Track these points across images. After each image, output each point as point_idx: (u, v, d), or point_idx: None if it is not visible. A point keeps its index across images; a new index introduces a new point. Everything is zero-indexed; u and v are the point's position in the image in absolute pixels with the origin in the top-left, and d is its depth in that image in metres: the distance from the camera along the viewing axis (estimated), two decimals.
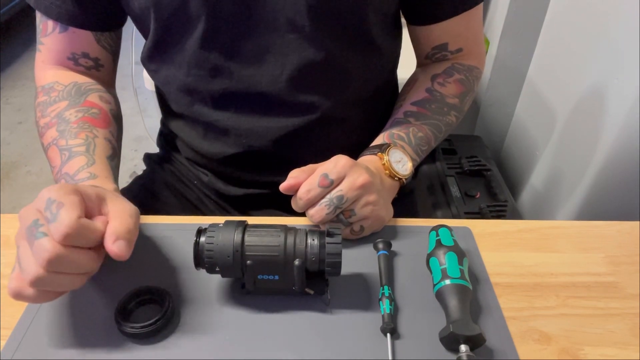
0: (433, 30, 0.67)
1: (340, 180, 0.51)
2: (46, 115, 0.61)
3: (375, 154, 0.59)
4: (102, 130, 0.60)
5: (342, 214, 0.51)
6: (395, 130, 0.63)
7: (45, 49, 0.65)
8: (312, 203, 0.51)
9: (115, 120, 0.64)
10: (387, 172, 0.57)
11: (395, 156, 0.59)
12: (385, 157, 0.58)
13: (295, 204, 0.53)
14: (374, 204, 0.52)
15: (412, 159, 0.61)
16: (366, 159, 0.58)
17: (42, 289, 0.40)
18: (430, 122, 0.65)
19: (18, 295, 0.40)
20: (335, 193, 0.50)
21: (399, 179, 0.58)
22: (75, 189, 0.42)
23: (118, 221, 0.43)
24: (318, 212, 0.51)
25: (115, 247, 0.41)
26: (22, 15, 2.98)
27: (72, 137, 0.57)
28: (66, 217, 0.39)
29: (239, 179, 0.71)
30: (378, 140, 0.63)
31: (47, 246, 0.38)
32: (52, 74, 0.65)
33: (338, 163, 0.51)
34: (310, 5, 0.56)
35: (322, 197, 0.51)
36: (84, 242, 0.40)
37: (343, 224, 0.52)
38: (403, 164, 0.59)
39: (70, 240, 0.39)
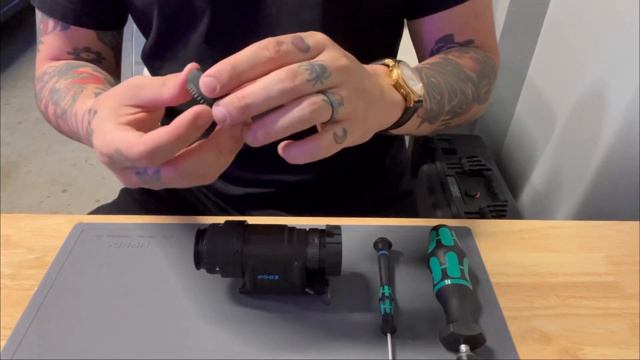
0: (436, 21, 0.63)
1: (318, 52, 0.37)
2: (42, 98, 0.60)
3: (383, 64, 0.46)
4: (91, 85, 0.56)
5: (332, 94, 0.36)
6: (420, 69, 0.54)
7: (44, 47, 0.65)
8: (285, 62, 0.35)
9: (108, 83, 0.60)
10: (393, 83, 0.44)
11: (407, 73, 0.45)
12: (397, 70, 0.44)
13: (253, 56, 0.35)
14: (366, 99, 0.39)
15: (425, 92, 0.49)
16: (366, 66, 0.44)
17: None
18: (445, 78, 0.54)
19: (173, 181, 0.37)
20: (316, 61, 0.36)
21: (406, 95, 0.44)
22: (102, 126, 0.38)
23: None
24: (295, 75, 0.34)
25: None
26: (22, 15, 2.98)
27: (64, 97, 0.55)
28: (129, 149, 0.35)
29: (239, 178, 0.71)
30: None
31: (170, 173, 0.35)
32: (47, 64, 0.65)
33: (315, 33, 0.38)
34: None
35: (298, 62, 0.36)
36: (165, 147, 0.34)
37: (332, 105, 0.36)
38: (414, 84, 0.45)
39: (158, 156, 0.35)
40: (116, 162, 0.37)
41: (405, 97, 0.45)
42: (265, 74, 0.34)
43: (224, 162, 0.38)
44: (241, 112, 0.34)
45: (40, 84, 0.62)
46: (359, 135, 0.40)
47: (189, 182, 0.36)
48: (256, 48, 0.35)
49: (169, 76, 0.37)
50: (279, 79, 0.34)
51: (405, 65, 0.46)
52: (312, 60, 0.36)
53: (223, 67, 0.34)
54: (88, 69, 0.62)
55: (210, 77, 0.34)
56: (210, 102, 0.35)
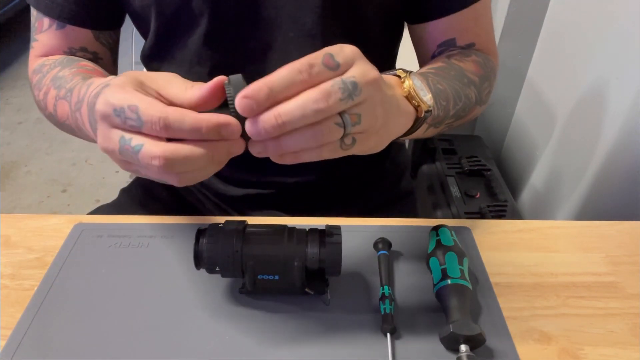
0: (438, 26, 0.63)
1: (348, 67, 0.38)
2: (42, 87, 0.59)
3: (394, 74, 0.47)
4: (98, 76, 0.56)
5: (348, 115, 0.37)
6: (426, 75, 0.54)
7: (39, 45, 0.64)
8: (317, 82, 0.36)
9: None
10: (405, 94, 0.46)
11: (418, 83, 0.46)
12: (408, 81, 0.46)
13: (287, 79, 0.36)
14: (386, 111, 0.40)
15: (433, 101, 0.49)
16: (389, 79, 0.46)
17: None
18: (450, 84, 0.55)
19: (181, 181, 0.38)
20: (348, 78, 0.37)
21: (417, 106, 0.45)
22: (123, 85, 0.37)
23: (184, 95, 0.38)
24: (329, 95, 0.35)
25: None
26: (22, 15, 2.98)
27: (69, 82, 0.54)
28: (151, 108, 0.35)
29: (239, 179, 0.71)
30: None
31: (154, 152, 0.35)
32: (42, 59, 0.64)
33: (344, 47, 0.38)
34: (313, 2, 0.56)
35: (328, 80, 0.37)
36: (182, 127, 0.35)
37: (345, 127, 0.37)
38: (424, 94, 0.47)
39: (171, 130, 0.35)
40: (116, 116, 0.36)
41: (417, 108, 0.46)
42: (297, 93, 0.36)
43: (208, 170, 0.38)
44: (277, 130, 0.35)
45: (38, 75, 0.62)
46: (370, 146, 0.41)
47: (164, 170, 0.36)
48: (290, 71, 0.36)
49: (199, 83, 0.38)
50: (314, 99, 0.35)
51: (415, 76, 0.48)
52: (344, 77, 0.37)
53: (259, 88, 0.35)
54: (90, 64, 0.62)
55: (248, 99, 0.35)
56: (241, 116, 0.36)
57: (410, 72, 0.48)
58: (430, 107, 0.46)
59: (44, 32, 0.63)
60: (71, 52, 0.65)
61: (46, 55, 0.65)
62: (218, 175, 0.73)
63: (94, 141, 0.53)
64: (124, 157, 0.37)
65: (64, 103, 0.53)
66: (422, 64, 0.69)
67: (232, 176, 0.71)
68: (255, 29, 0.59)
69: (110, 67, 0.69)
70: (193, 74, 0.62)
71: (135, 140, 0.36)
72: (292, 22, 0.58)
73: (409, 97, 0.46)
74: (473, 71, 0.61)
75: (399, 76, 0.47)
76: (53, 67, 0.60)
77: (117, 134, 0.37)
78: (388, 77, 0.46)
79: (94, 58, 0.66)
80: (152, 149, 0.35)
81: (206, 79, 0.62)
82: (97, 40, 0.65)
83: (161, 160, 0.35)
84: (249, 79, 0.66)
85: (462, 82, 0.58)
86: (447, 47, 0.65)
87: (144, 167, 0.37)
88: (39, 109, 0.62)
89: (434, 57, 0.66)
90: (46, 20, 0.63)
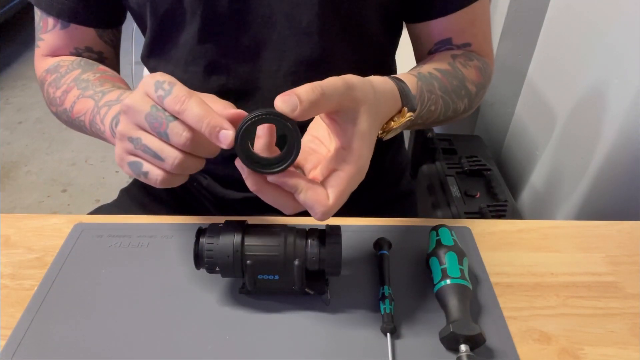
0: (435, 25, 0.64)
1: None
2: (61, 85, 0.60)
3: (404, 107, 0.49)
4: (125, 86, 0.60)
5: None
6: (425, 91, 0.56)
7: (45, 44, 0.65)
8: None
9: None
10: (385, 125, 0.49)
11: (401, 126, 0.50)
12: (399, 123, 0.49)
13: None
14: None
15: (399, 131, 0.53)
16: (392, 101, 0.48)
17: (179, 173, 0.41)
18: (445, 99, 0.58)
19: (163, 183, 0.41)
20: None
21: (380, 136, 0.49)
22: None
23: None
24: None
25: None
26: (22, 15, 2.98)
27: (98, 86, 0.56)
28: (194, 104, 0.38)
29: (238, 182, 0.71)
30: (412, 84, 0.53)
31: (183, 128, 0.38)
32: (54, 58, 0.65)
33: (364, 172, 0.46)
34: (308, 0, 0.56)
35: None
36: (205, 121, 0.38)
37: None
38: (391, 134, 0.51)
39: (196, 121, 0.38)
40: (155, 88, 0.39)
41: (380, 134, 0.48)
42: None
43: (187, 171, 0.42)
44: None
45: (54, 74, 0.62)
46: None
47: (186, 144, 0.39)
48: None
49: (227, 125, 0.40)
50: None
51: (407, 121, 0.49)
52: None
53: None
54: (109, 69, 0.63)
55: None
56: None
57: (412, 115, 0.49)
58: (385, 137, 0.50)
59: (49, 31, 0.64)
60: (77, 52, 0.65)
61: (53, 55, 0.65)
62: (217, 178, 0.72)
63: (101, 138, 0.55)
64: (151, 120, 0.39)
65: (87, 101, 0.55)
66: (418, 59, 0.70)
67: (232, 180, 0.71)
68: (249, 27, 0.58)
69: (115, 66, 0.70)
70: (188, 73, 0.62)
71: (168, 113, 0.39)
72: (287, 19, 0.58)
73: (384, 128, 0.48)
74: (473, 80, 0.62)
75: (404, 111, 0.49)
76: (72, 69, 0.61)
77: (149, 102, 0.39)
78: (395, 104, 0.48)
79: (100, 58, 0.67)
80: (182, 125, 0.38)
81: (201, 78, 0.62)
82: (100, 39, 0.65)
83: (187, 139, 0.38)
84: (244, 79, 0.66)
85: (458, 96, 0.60)
86: (443, 46, 0.65)
87: (167, 137, 0.39)
88: (50, 105, 0.62)
89: (430, 53, 0.66)
90: (50, 20, 0.63)
